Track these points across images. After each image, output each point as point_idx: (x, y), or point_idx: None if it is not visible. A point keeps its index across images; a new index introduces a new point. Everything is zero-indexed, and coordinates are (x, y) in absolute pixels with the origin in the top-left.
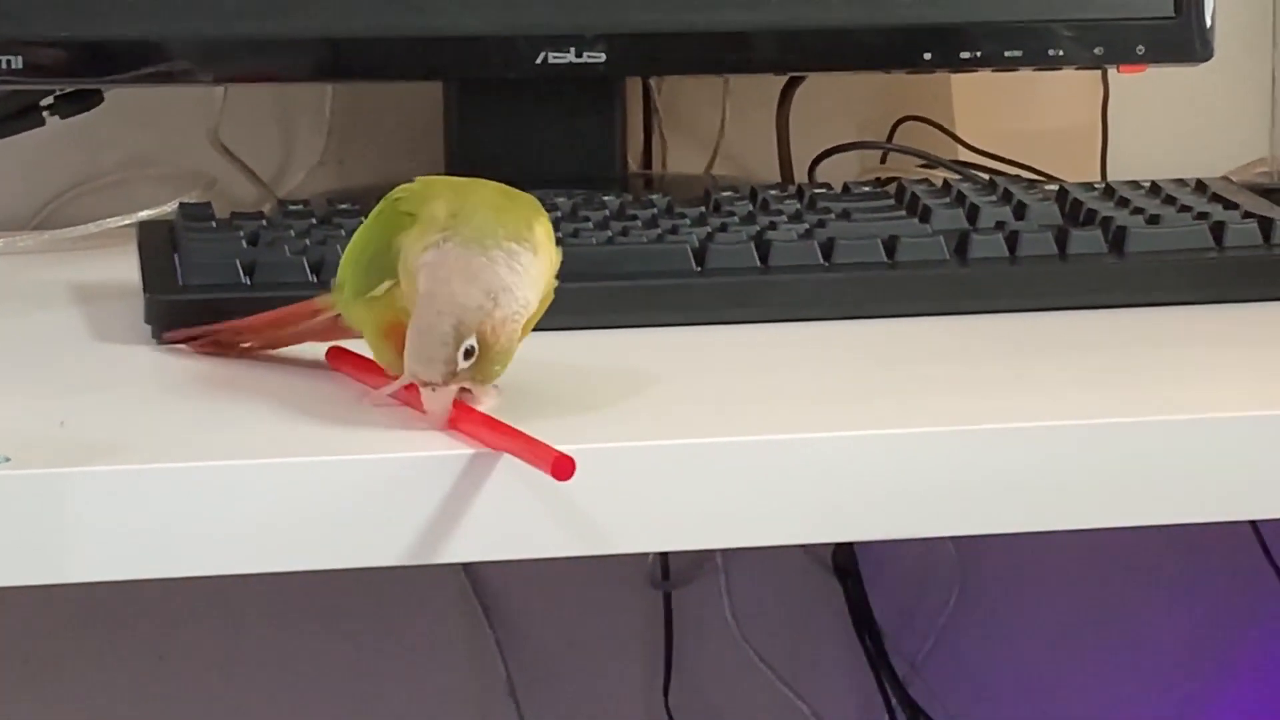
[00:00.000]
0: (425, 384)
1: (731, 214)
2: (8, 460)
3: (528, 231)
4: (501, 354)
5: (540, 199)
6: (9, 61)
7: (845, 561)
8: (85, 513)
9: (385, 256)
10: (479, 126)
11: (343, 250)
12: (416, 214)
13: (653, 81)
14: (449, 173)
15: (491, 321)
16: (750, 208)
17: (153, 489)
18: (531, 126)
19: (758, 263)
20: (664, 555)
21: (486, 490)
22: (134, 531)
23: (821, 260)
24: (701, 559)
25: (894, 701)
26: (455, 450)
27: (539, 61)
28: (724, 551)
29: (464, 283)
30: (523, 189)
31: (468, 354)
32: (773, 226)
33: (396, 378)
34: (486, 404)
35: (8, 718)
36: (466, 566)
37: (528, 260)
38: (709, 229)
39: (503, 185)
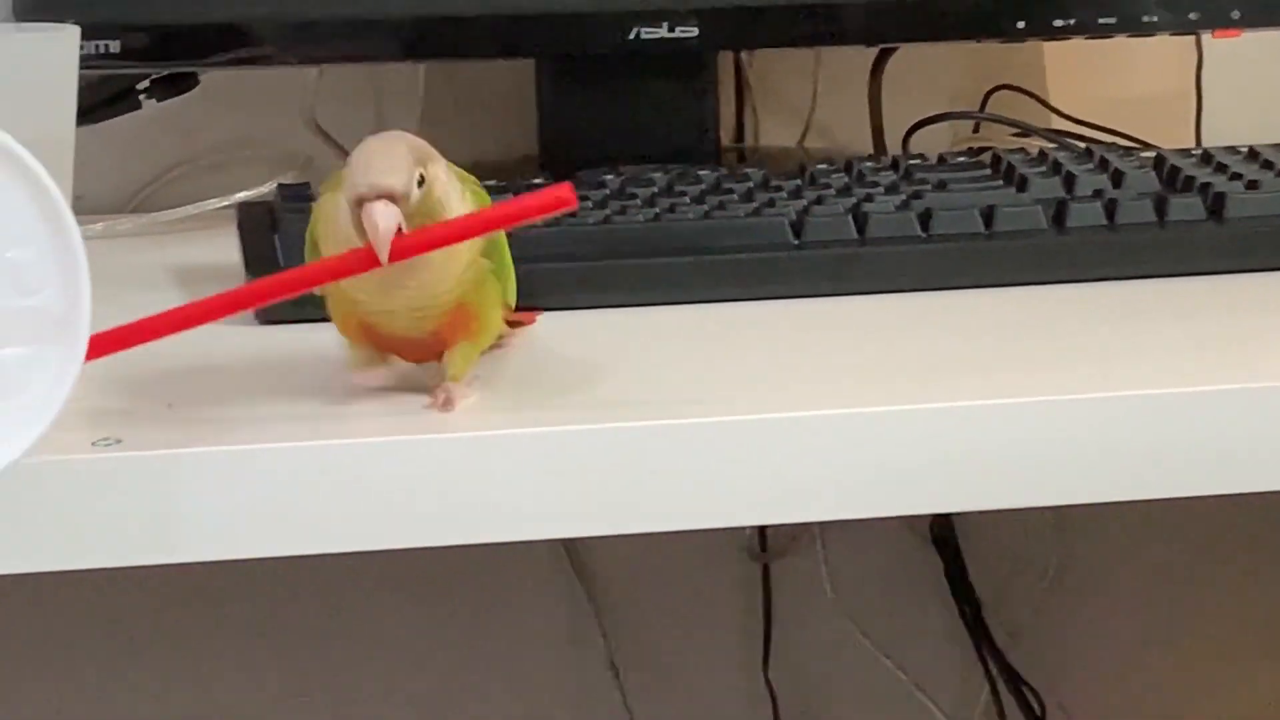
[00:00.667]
0: (381, 196)
1: (827, 186)
2: (119, 442)
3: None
4: (438, 204)
5: (635, 175)
6: (106, 46)
7: (944, 532)
8: (194, 493)
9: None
10: (571, 103)
11: None
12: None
13: (744, 55)
14: (543, 150)
15: (436, 166)
16: (846, 180)
17: (260, 469)
18: (624, 102)
19: (855, 235)
20: (762, 528)
21: (586, 465)
22: (242, 511)
23: (919, 231)
24: (799, 531)
25: (994, 671)
26: (559, 427)
27: (631, 37)
28: (822, 524)
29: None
30: (616, 164)
31: (419, 182)
32: (869, 198)
33: None
34: (465, 401)
35: (115, 694)
36: (566, 542)
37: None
38: (805, 202)
39: None
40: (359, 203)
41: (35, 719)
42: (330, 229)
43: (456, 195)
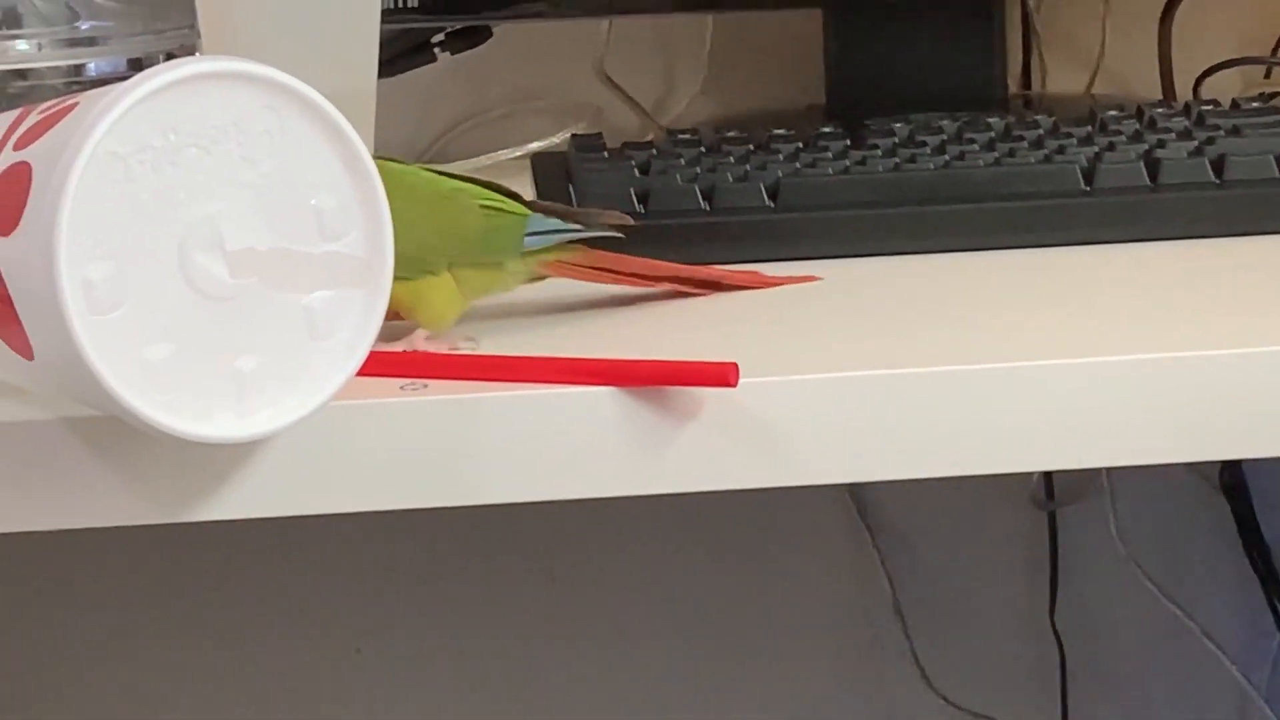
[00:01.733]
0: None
1: (1118, 132)
2: (425, 385)
3: None
4: None
5: (923, 122)
6: (404, 1)
7: (1234, 479)
8: (496, 435)
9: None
10: (858, 51)
11: (732, 178)
12: None
13: (1031, 1)
14: (829, 99)
15: None
16: (1137, 126)
17: (560, 412)
18: (911, 50)
19: (1147, 181)
20: (1049, 475)
21: (872, 410)
22: (545, 454)
23: (1212, 177)
24: (1087, 478)
25: None
26: (846, 372)
27: None
28: (1110, 470)
29: None
30: (903, 113)
31: None
32: (1161, 144)
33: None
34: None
35: (409, 634)
36: (851, 487)
37: None
38: (1096, 148)
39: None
40: None
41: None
42: None
43: None
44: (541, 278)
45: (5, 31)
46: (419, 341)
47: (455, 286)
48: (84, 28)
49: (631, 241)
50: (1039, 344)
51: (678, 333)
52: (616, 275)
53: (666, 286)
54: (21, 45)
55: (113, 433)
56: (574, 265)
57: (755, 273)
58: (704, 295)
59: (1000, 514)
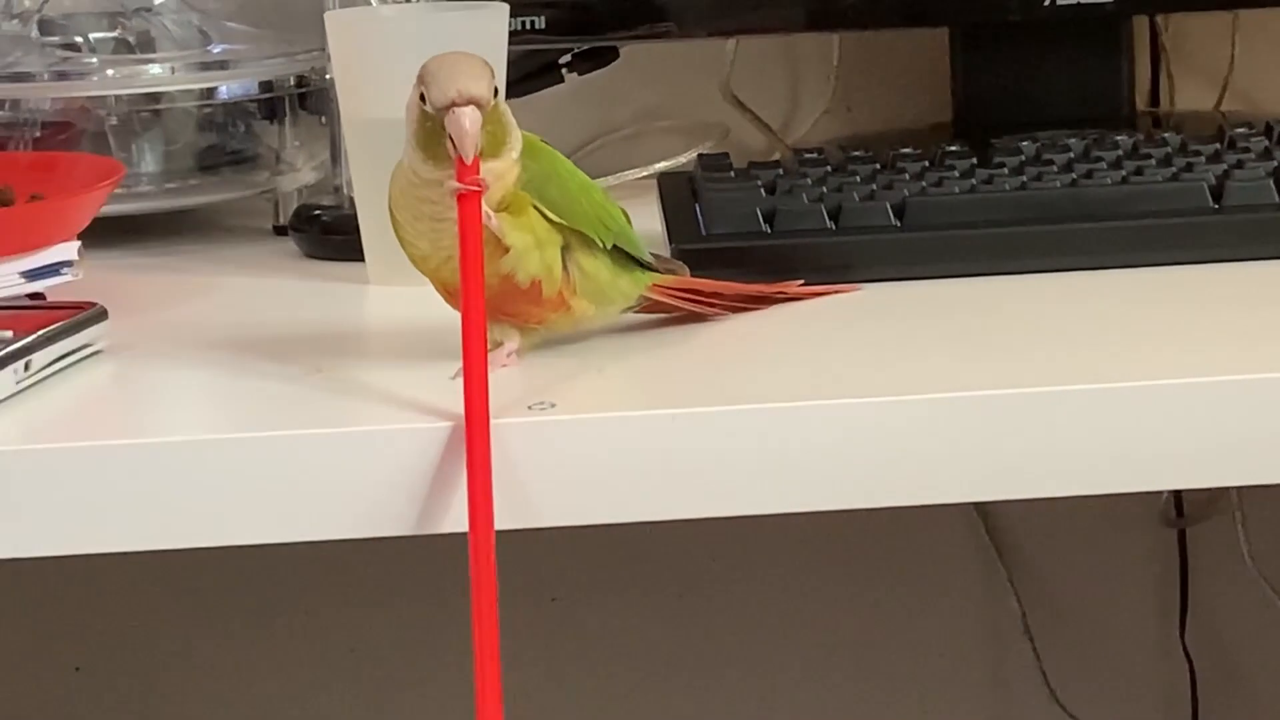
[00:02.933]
0: (470, 102)
1: (1247, 150)
2: (553, 406)
3: None
4: (504, 114)
5: (1050, 140)
6: (532, 22)
7: None
8: (626, 454)
9: None
10: (985, 70)
11: (859, 198)
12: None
13: (1160, 19)
14: (957, 118)
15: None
16: (1266, 143)
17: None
18: (1038, 68)
19: (1276, 199)
20: (1178, 493)
21: (1001, 428)
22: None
23: None
24: (1216, 496)
25: None
26: (975, 391)
27: (1046, 3)
28: (1239, 489)
29: None
30: (1031, 131)
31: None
32: None
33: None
34: (506, 355)
35: (544, 654)
36: (978, 505)
37: None
38: (1225, 166)
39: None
40: (449, 107)
41: None
42: (403, 191)
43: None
44: (638, 306)
45: (139, 55)
46: (502, 356)
47: (612, 274)
48: (216, 51)
49: (757, 260)
50: (1167, 362)
51: (801, 349)
52: (698, 300)
53: (727, 309)
54: (155, 69)
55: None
56: (669, 289)
57: (799, 284)
58: (758, 310)
59: (1129, 533)
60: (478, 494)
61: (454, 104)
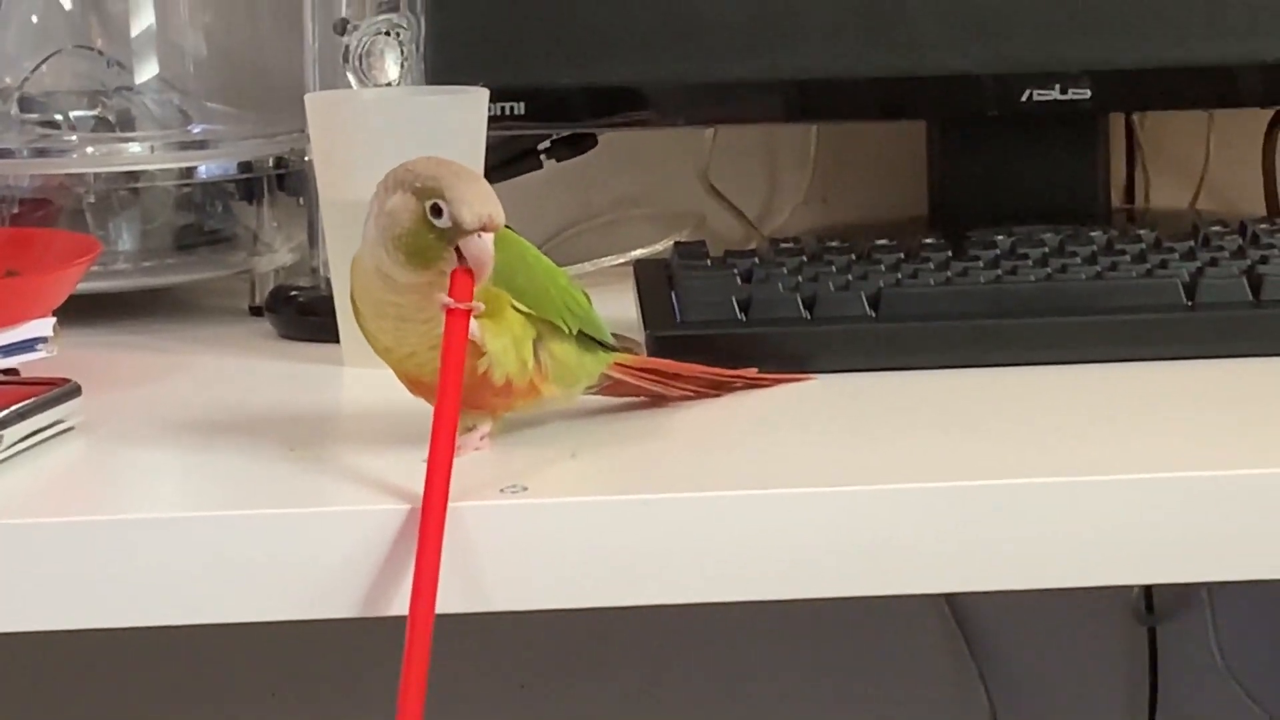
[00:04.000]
0: (495, 228)
1: (1221, 248)
2: (525, 489)
3: None
4: None
5: (1026, 234)
6: (511, 108)
7: None
8: (598, 538)
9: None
10: (962, 163)
11: (834, 287)
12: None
13: (1135, 116)
14: (933, 210)
15: None
16: (1240, 242)
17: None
18: (1015, 163)
19: (1250, 297)
20: (1148, 589)
21: (970, 519)
22: (638, 558)
23: None
24: (1187, 594)
25: None
26: (945, 483)
27: (1024, 99)
28: (1210, 585)
29: None
30: (1007, 224)
31: None
32: (1264, 260)
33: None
34: (480, 439)
35: None
36: (949, 597)
37: None
38: (1198, 263)
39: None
40: (479, 231)
41: None
42: (366, 289)
43: None
44: (600, 385)
45: (119, 133)
46: (475, 440)
47: (579, 356)
48: (196, 131)
49: (732, 348)
50: (1139, 458)
51: (786, 438)
52: (660, 379)
53: (690, 391)
54: (135, 148)
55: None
56: (629, 368)
57: (754, 371)
58: (716, 395)
59: (1100, 628)
60: (424, 573)
61: (485, 228)
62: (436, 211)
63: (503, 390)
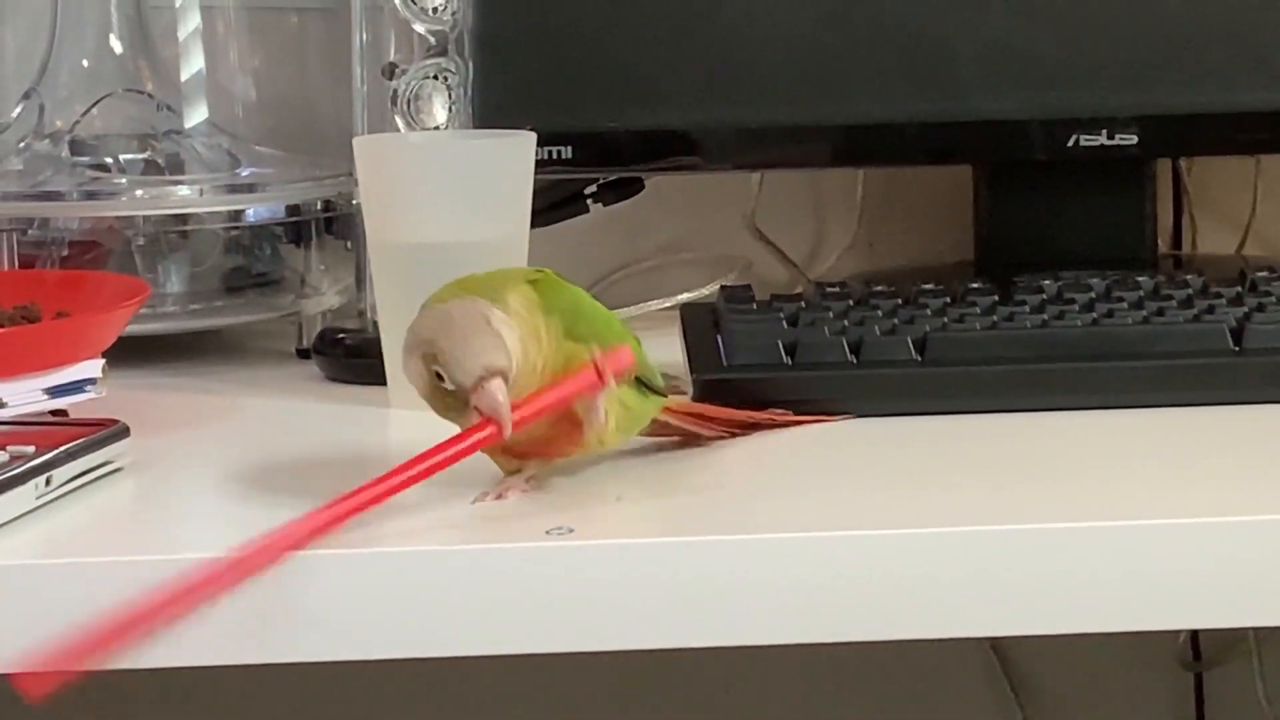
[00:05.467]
0: (494, 376)
1: (1268, 294)
2: (571, 530)
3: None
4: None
5: (1072, 279)
6: (559, 152)
7: None
8: (646, 580)
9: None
10: (1009, 208)
11: (880, 332)
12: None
13: (1182, 162)
14: (979, 255)
15: (504, 315)
16: None
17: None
18: (1062, 208)
19: None
20: (1195, 635)
21: (1015, 564)
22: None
23: None
24: (1235, 639)
25: None
26: (991, 526)
27: (1070, 144)
28: (1258, 632)
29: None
30: (1053, 270)
31: None
32: None
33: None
34: (526, 480)
35: None
36: (994, 642)
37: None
38: (1245, 309)
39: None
40: (476, 387)
41: None
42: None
43: (530, 330)
44: (653, 428)
45: (168, 177)
46: (519, 483)
47: (640, 403)
48: (244, 174)
49: (777, 392)
50: (1186, 502)
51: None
52: (706, 422)
53: (724, 431)
54: (183, 190)
55: None
56: (677, 412)
57: (787, 413)
58: (746, 435)
59: (1146, 674)
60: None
61: (481, 380)
62: (440, 375)
63: (576, 439)
